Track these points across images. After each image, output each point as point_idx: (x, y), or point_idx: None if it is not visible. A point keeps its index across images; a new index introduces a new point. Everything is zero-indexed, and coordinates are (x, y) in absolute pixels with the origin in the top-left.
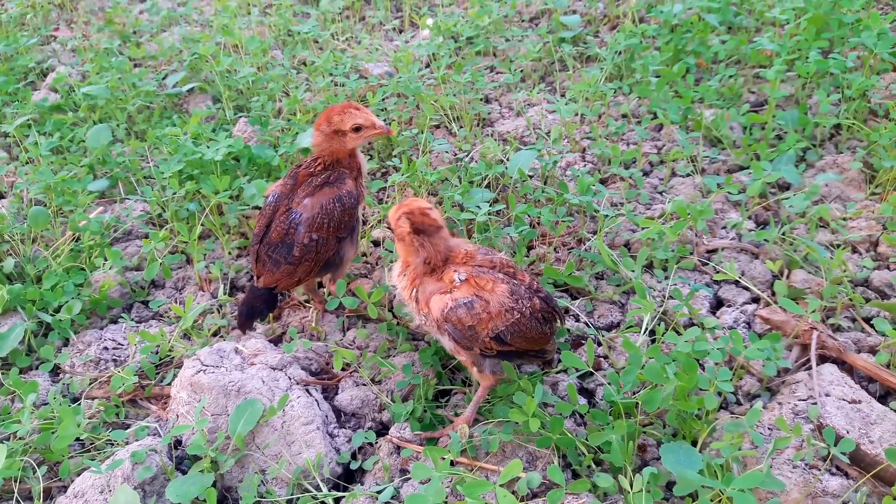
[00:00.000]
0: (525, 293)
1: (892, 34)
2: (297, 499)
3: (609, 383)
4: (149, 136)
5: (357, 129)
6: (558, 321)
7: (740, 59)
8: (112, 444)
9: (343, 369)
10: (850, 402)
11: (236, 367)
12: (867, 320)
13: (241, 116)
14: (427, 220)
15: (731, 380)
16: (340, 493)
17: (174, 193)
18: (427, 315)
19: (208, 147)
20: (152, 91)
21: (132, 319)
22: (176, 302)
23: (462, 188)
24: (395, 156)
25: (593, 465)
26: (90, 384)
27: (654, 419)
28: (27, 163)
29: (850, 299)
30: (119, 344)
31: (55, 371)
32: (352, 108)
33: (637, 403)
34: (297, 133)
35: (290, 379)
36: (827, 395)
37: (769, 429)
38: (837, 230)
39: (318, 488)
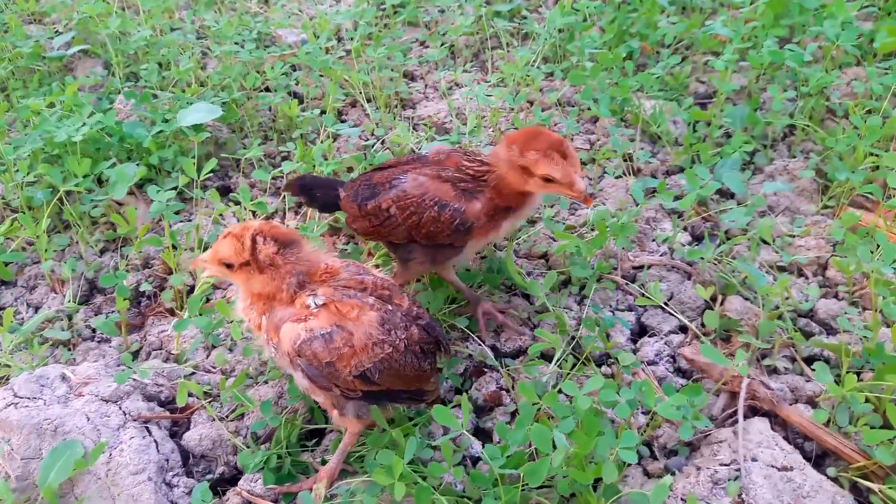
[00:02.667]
0: (401, 321)
1: (857, 24)
2: None
3: (493, 442)
4: (16, 106)
5: (548, 180)
6: (442, 353)
7: (691, 44)
8: None
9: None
10: (780, 470)
11: (59, 400)
12: (809, 361)
13: (132, 86)
14: (282, 232)
15: (636, 446)
16: None
17: (23, 178)
18: (277, 346)
19: (65, 124)
20: (34, 53)
21: None
22: (25, 304)
23: None
24: (293, 139)
25: None
26: None
27: (548, 481)
28: None
29: (790, 337)
30: None
31: None
32: (558, 154)
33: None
34: (179, 108)
35: (125, 414)
36: (754, 459)
37: (682, 501)
38: (782, 252)
39: None
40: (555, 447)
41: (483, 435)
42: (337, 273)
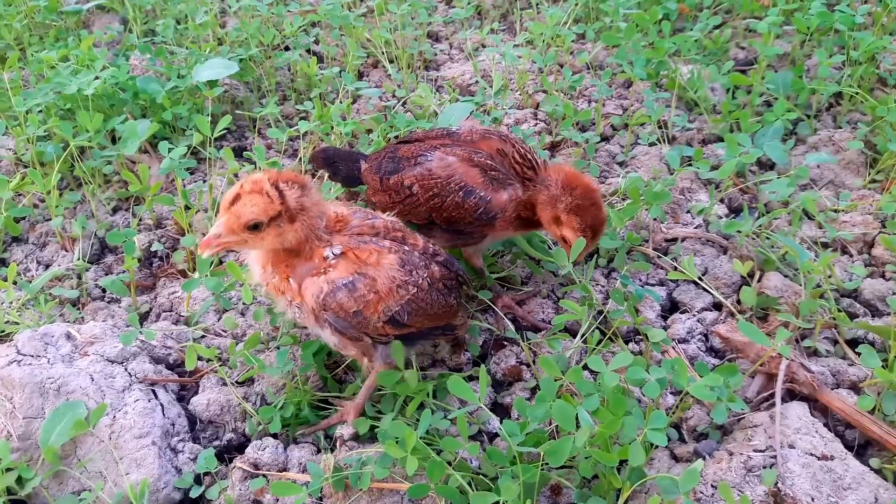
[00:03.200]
0: (420, 261)
1: None
2: None
3: (516, 416)
4: (30, 60)
5: (563, 239)
6: (465, 287)
7: (731, 7)
8: None
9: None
10: (819, 459)
11: (63, 359)
12: (852, 344)
13: (148, 42)
14: (291, 174)
15: (665, 427)
16: None
17: (34, 132)
18: (301, 306)
19: (77, 78)
20: (51, 7)
21: None
22: (35, 261)
23: (376, 144)
24: (311, 98)
25: None
26: None
27: (568, 461)
28: None
29: (833, 318)
30: None
31: None
32: (592, 233)
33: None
34: (195, 63)
35: (131, 375)
36: (791, 446)
37: (713, 487)
38: (826, 226)
39: None
40: (578, 426)
41: (501, 410)
42: (348, 220)
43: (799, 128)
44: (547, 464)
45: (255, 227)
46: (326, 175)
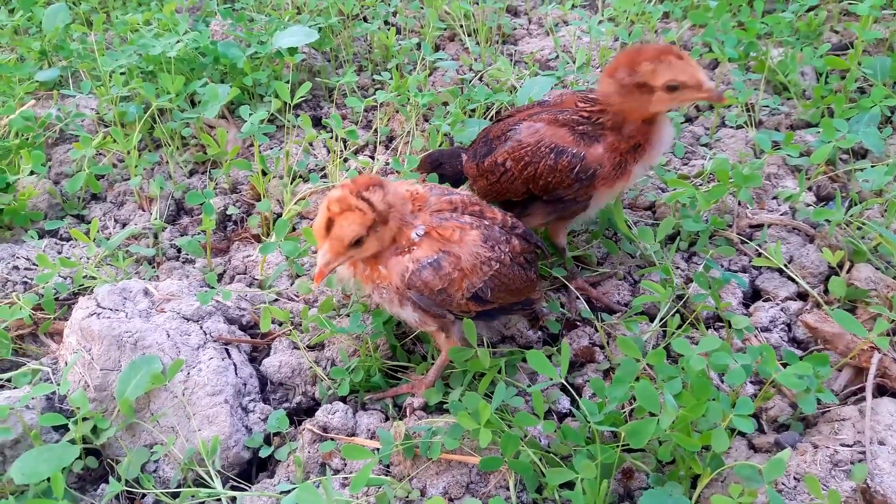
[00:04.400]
0: (501, 235)
1: None
2: (180, 492)
3: (591, 394)
4: (115, 22)
5: (673, 87)
6: (544, 258)
7: None
8: None
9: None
10: None
11: (140, 314)
12: None
13: (228, 8)
14: (365, 179)
15: (750, 414)
16: (229, 492)
17: (117, 93)
18: (386, 287)
19: (160, 41)
20: None
21: (59, 237)
22: (113, 219)
23: (453, 117)
24: (388, 69)
25: (557, 500)
26: None
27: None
28: None
29: None
30: (34, 264)
31: None
32: (672, 56)
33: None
34: (275, 31)
35: (206, 334)
36: (881, 443)
37: (795, 479)
38: None
39: (202, 483)
40: (660, 409)
41: (570, 391)
42: (425, 198)
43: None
44: (626, 445)
45: (357, 243)
46: (438, 180)
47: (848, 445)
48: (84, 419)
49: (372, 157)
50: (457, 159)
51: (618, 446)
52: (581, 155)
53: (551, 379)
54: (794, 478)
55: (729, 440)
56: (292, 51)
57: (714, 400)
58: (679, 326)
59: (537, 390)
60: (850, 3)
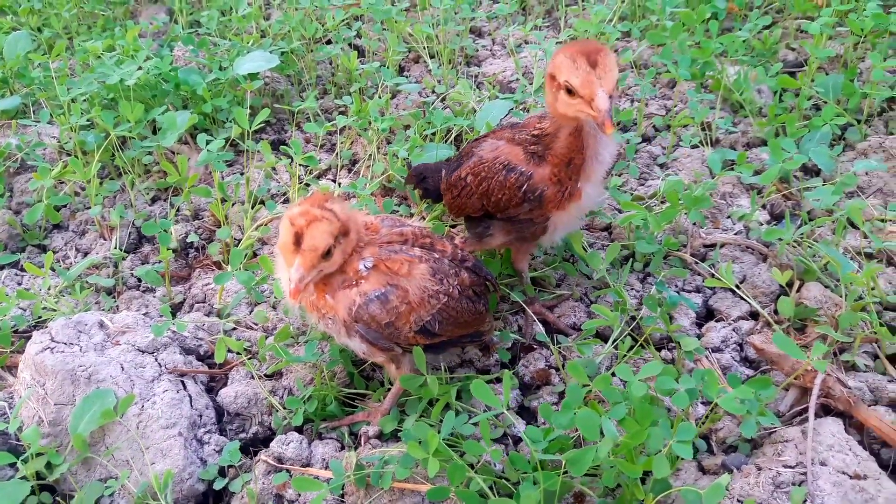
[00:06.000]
0: (450, 268)
1: None
2: None
3: (538, 422)
4: (77, 49)
5: (569, 90)
6: (493, 290)
7: (783, 7)
8: None
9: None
10: (851, 478)
11: (95, 347)
12: (894, 359)
13: (193, 33)
14: (321, 195)
15: (692, 439)
16: None
17: (77, 122)
18: (333, 318)
19: (121, 68)
20: None
21: (20, 267)
22: (74, 249)
23: (412, 142)
24: (352, 92)
25: None
26: None
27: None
28: None
29: (874, 332)
30: None
31: None
32: (585, 57)
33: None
34: (236, 56)
35: (161, 366)
36: (823, 463)
37: (738, 502)
38: (871, 236)
39: None
40: (602, 435)
41: (528, 414)
42: (377, 228)
43: (848, 133)
44: (565, 472)
45: (327, 253)
46: (419, 194)
47: (790, 467)
48: (37, 455)
49: (334, 181)
50: (438, 174)
51: (561, 473)
52: (528, 174)
53: (501, 410)
54: (738, 500)
55: (672, 465)
56: (253, 76)
57: (656, 425)
58: (630, 348)
59: (484, 419)
60: (804, 21)
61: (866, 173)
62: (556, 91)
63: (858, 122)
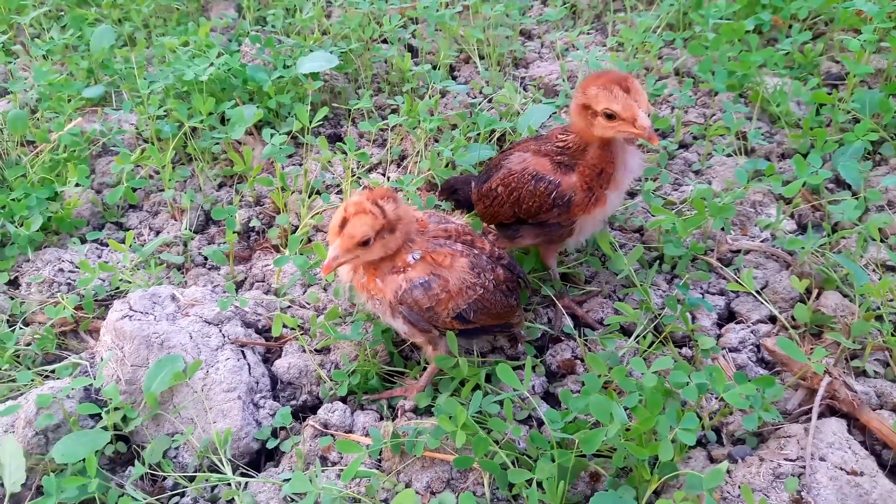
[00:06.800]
0: (487, 264)
1: None
2: (196, 476)
3: (560, 405)
4: (154, 43)
5: (609, 116)
6: (525, 288)
7: (830, 20)
8: (41, 377)
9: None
10: (848, 474)
11: (167, 317)
12: None
13: (259, 29)
14: (381, 191)
15: (696, 429)
16: (238, 478)
17: (154, 112)
18: (381, 299)
19: (195, 63)
20: None
21: (100, 242)
22: (148, 227)
23: (457, 142)
24: (405, 92)
25: (524, 497)
26: (34, 309)
27: (607, 451)
28: (43, 58)
29: (885, 341)
30: (76, 267)
31: (14, 284)
32: (618, 86)
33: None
34: (299, 55)
35: (224, 336)
36: (822, 459)
37: (739, 489)
38: (887, 251)
39: (216, 469)
40: (612, 419)
41: (553, 399)
42: (426, 224)
43: (883, 148)
44: (578, 451)
45: (365, 243)
46: (452, 205)
47: (791, 460)
48: (115, 409)
49: (384, 175)
50: (468, 186)
51: (578, 452)
52: (557, 182)
53: (517, 390)
54: (739, 487)
55: (680, 452)
56: (314, 76)
57: (663, 414)
58: (651, 344)
59: (508, 399)
60: (847, 37)
61: (895, 189)
62: (591, 118)
63: (895, 137)
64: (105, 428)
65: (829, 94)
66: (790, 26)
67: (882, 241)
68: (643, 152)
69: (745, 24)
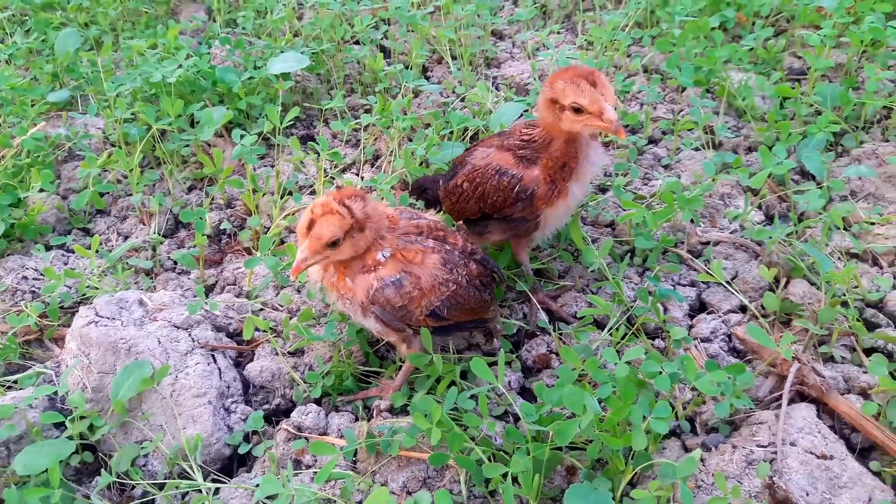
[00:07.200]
0: (459, 259)
1: None
2: (166, 483)
3: (536, 400)
4: (122, 46)
5: (577, 110)
6: (499, 282)
7: (791, 16)
8: (2, 388)
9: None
10: (818, 457)
11: (135, 322)
12: (870, 352)
13: (229, 32)
14: (350, 190)
15: (669, 417)
16: (209, 484)
17: (121, 115)
18: (351, 299)
19: (163, 65)
20: None
21: (66, 249)
22: (116, 233)
23: (430, 141)
24: (377, 92)
25: (500, 492)
26: None
27: (582, 444)
28: (6, 63)
29: (851, 327)
30: (41, 274)
31: None
32: (585, 80)
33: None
34: (270, 56)
35: (194, 341)
36: (793, 444)
37: (713, 477)
38: (850, 238)
39: (186, 476)
40: (585, 410)
41: (529, 395)
42: (396, 221)
43: (845, 140)
44: (552, 444)
45: (334, 244)
46: (424, 204)
47: (763, 446)
48: (81, 417)
49: (358, 175)
50: (437, 184)
51: (553, 445)
52: (519, 176)
53: (493, 384)
54: (713, 475)
55: (648, 441)
56: (285, 76)
57: (636, 404)
58: (624, 336)
59: (482, 393)
60: (808, 32)
61: (859, 179)
62: (558, 112)
63: (857, 128)
64: (70, 437)
65: (793, 88)
66: (753, 23)
67: (845, 229)
68: (614, 148)
69: (711, 21)
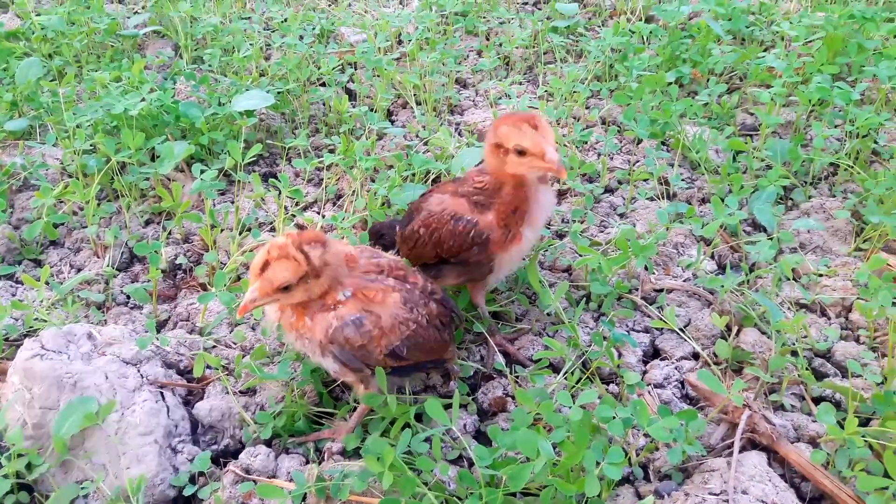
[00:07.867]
0: (420, 299)
1: None
2: None
3: (490, 443)
4: (85, 77)
5: (520, 152)
6: (458, 323)
7: (744, 74)
8: None
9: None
10: None
11: (82, 356)
12: (820, 401)
13: (196, 69)
14: (310, 234)
15: (622, 463)
16: None
17: (80, 146)
18: (310, 338)
19: (126, 98)
20: (110, 30)
21: (14, 280)
22: (69, 265)
23: (392, 182)
24: (341, 132)
25: None
26: None
27: (536, 490)
28: None
29: (800, 375)
30: None
31: None
32: (527, 123)
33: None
34: (235, 93)
35: (143, 377)
36: (744, 492)
37: None
38: (800, 289)
39: None
40: (539, 454)
41: (485, 439)
42: (356, 260)
43: (794, 193)
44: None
45: (285, 289)
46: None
47: (715, 494)
48: (19, 455)
49: (319, 213)
50: (393, 230)
51: (507, 490)
52: (474, 221)
53: (448, 426)
54: None
55: (608, 488)
56: (249, 113)
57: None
58: (579, 380)
59: (436, 434)
60: (759, 90)
61: (808, 231)
62: (503, 156)
63: (806, 183)
64: (6, 476)
65: (745, 142)
66: (708, 80)
67: (795, 280)
68: (572, 195)
69: (667, 77)
